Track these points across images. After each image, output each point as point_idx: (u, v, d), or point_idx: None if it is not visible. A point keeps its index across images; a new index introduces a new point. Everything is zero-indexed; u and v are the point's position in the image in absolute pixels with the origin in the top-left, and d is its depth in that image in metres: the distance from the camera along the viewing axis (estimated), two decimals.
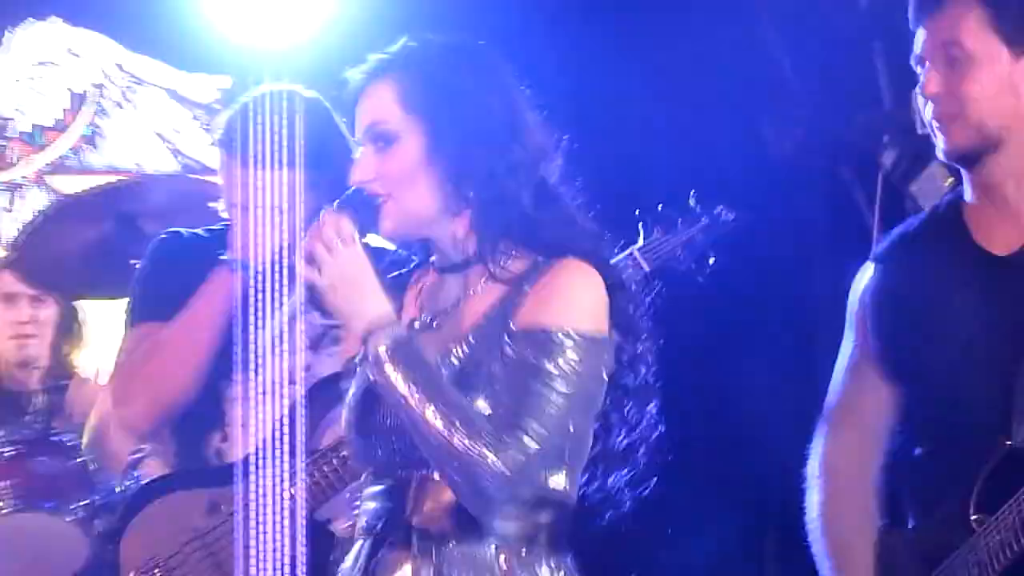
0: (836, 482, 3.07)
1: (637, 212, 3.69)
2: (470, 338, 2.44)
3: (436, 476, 2.46)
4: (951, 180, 4.34)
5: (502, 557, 2.43)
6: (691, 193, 3.66)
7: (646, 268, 3.50)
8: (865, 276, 3.05)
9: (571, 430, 2.38)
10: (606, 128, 4.71)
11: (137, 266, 3.72)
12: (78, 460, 4.22)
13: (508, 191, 2.47)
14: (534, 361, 2.36)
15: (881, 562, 2.98)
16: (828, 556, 3.04)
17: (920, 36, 2.93)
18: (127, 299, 3.73)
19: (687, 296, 4.53)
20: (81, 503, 4.11)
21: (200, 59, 5.82)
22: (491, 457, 2.33)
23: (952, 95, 2.85)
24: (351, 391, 2.57)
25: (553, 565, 2.46)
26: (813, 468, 3.08)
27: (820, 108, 5.20)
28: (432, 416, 2.35)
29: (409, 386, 2.36)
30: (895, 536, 3.00)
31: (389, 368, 2.37)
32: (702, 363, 4.79)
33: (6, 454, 4.14)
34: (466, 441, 2.32)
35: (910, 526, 3.00)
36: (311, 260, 2.41)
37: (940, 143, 2.92)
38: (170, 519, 3.40)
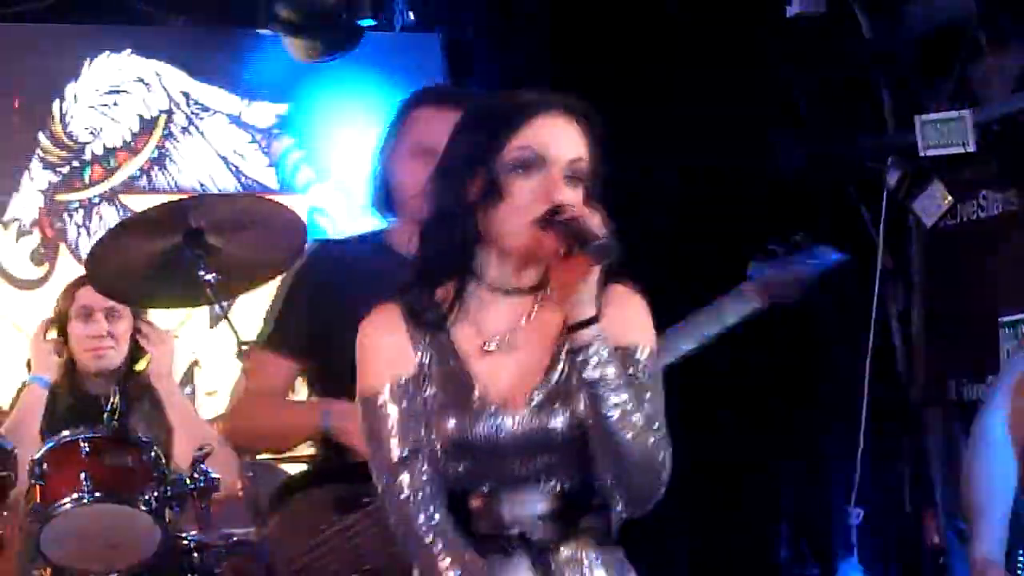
0: (990, 445, 3.50)
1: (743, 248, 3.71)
2: (561, 357, 2.50)
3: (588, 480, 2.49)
4: (949, 199, 5.04)
5: (593, 552, 2.52)
6: (798, 234, 3.66)
7: (759, 304, 3.56)
8: None
9: None
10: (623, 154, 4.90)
11: (289, 277, 3.77)
12: (151, 455, 4.25)
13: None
14: (637, 374, 2.50)
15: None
16: (971, 509, 3.49)
17: None
18: (273, 304, 3.74)
19: None
20: (153, 495, 4.14)
21: (260, 88, 6.19)
22: (660, 452, 2.45)
23: None
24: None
25: (618, 552, 2.58)
26: (976, 431, 3.56)
27: (830, 133, 5.31)
28: (637, 418, 2.44)
29: (621, 390, 2.44)
30: None
31: (608, 353, 2.42)
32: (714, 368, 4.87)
33: (85, 449, 4.17)
34: (650, 441, 2.44)
35: None
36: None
37: None
38: (309, 512, 3.50)
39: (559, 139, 2.51)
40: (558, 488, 2.50)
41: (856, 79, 5.28)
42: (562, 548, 2.49)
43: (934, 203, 5.22)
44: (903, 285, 5.40)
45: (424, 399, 2.53)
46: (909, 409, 5.41)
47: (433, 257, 2.57)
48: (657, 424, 2.46)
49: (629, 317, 2.53)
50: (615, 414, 2.42)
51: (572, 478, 2.50)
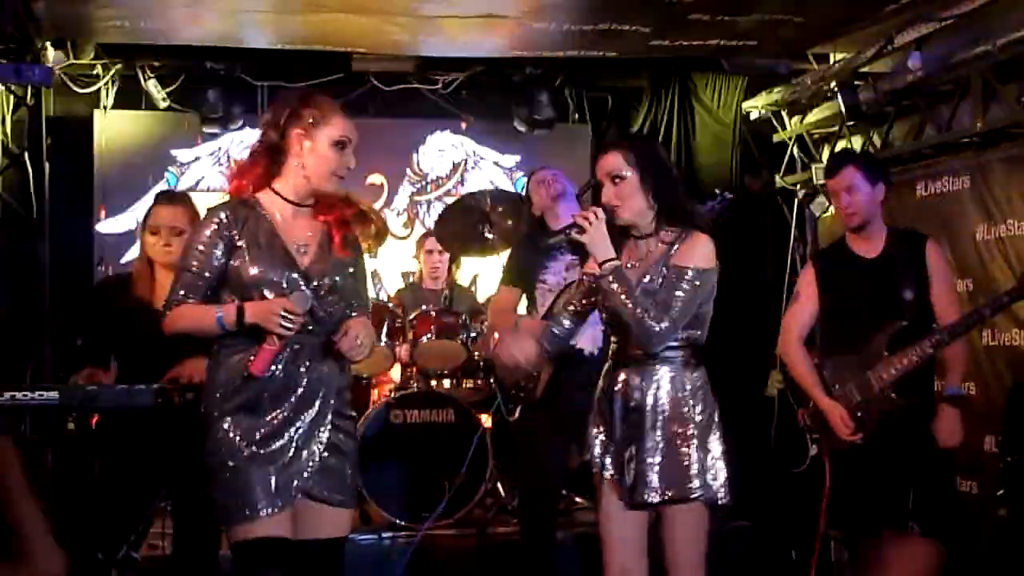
0: (793, 346, 4.54)
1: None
2: (652, 272, 3.29)
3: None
4: (828, 204, 6.95)
5: (668, 369, 3.39)
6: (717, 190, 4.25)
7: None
8: (809, 265, 4.53)
9: (697, 310, 3.34)
10: None
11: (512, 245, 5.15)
12: (462, 317, 6.17)
13: (679, 198, 3.36)
14: (676, 281, 3.31)
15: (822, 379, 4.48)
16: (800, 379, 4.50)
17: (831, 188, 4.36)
18: (508, 261, 5.08)
19: None
20: (461, 335, 6.07)
21: (494, 143, 8.07)
22: (654, 324, 3.24)
23: (856, 204, 4.35)
24: (583, 289, 3.42)
25: (695, 371, 3.43)
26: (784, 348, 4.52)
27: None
28: (629, 301, 3.23)
29: (619, 286, 3.22)
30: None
31: (614, 278, 3.22)
32: None
33: (432, 313, 6.15)
34: (644, 316, 3.23)
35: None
36: (580, 228, 3.22)
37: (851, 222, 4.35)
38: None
39: (603, 163, 3.35)
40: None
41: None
42: (647, 362, 3.39)
43: (820, 206, 7.08)
44: None
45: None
46: None
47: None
48: (668, 311, 3.22)
49: (691, 249, 3.31)
50: (616, 300, 3.23)
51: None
